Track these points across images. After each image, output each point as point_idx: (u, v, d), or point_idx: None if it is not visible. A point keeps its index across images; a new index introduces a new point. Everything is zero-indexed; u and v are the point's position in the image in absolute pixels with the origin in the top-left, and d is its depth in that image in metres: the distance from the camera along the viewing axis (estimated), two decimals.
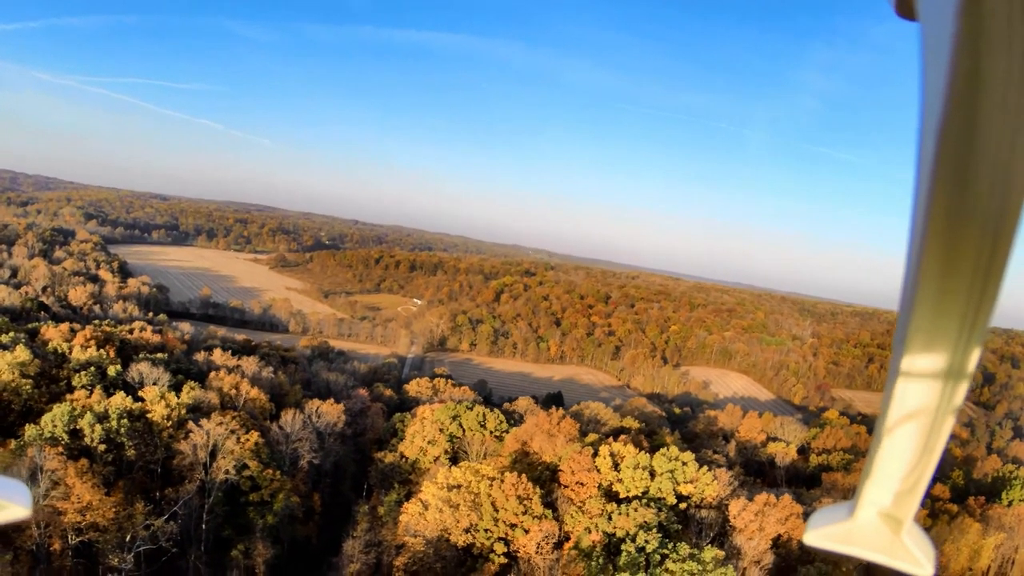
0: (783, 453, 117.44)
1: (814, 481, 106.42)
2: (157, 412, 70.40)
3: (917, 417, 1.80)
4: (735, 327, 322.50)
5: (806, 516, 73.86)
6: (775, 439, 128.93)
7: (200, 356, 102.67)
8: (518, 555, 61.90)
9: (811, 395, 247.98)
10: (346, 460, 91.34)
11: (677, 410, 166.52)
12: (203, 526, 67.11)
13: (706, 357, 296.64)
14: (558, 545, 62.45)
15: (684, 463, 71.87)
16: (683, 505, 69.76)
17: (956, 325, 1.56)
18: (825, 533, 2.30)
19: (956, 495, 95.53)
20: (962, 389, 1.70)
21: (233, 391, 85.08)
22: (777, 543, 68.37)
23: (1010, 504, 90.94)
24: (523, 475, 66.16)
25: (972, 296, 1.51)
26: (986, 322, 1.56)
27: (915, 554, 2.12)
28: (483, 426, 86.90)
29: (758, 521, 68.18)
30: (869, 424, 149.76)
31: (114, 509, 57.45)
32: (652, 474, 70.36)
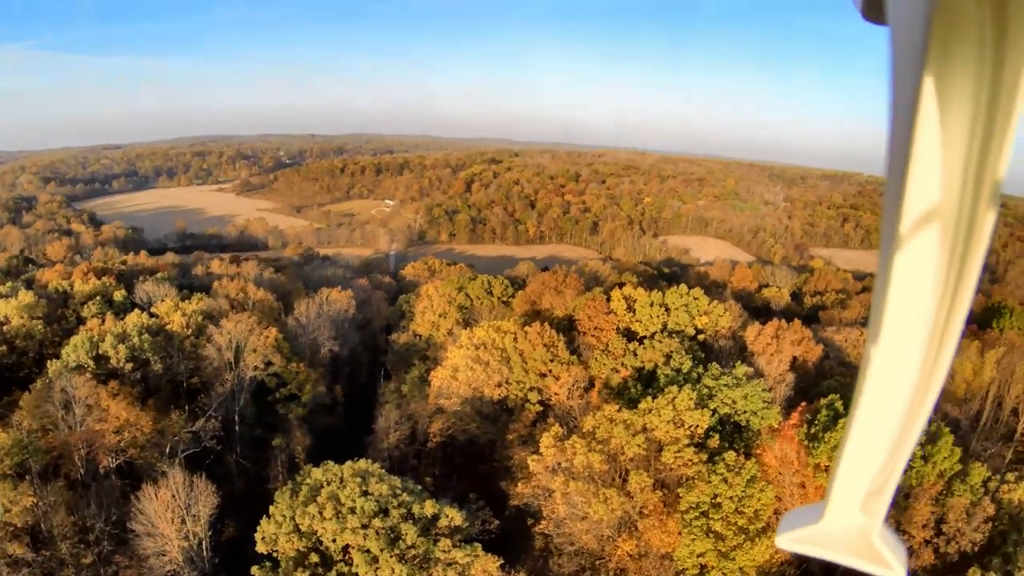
0: (778, 297, 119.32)
1: (811, 320, 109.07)
2: (175, 322, 69.15)
3: (886, 414, 1.73)
4: (707, 196, 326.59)
5: (817, 341, 76.10)
6: (767, 286, 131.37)
7: (199, 270, 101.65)
8: (551, 402, 63.07)
9: (790, 254, 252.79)
10: (358, 350, 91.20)
11: (666, 270, 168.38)
12: (236, 428, 66.74)
13: (682, 226, 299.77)
14: (588, 389, 63.85)
15: (695, 298, 72.83)
16: (701, 337, 71.15)
17: (934, 306, 1.50)
18: (795, 536, 2.24)
19: None
20: (939, 377, 1.61)
21: (240, 295, 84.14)
22: (794, 364, 70.38)
23: (1002, 331, 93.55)
24: (545, 324, 66.85)
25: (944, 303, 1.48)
26: (961, 314, 1.50)
27: (886, 556, 2.07)
28: (490, 293, 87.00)
29: (775, 344, 69.87)
30: (852, 274, 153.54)
31: (151, 423, 57.07)
32: (667, 310, 71.32)
